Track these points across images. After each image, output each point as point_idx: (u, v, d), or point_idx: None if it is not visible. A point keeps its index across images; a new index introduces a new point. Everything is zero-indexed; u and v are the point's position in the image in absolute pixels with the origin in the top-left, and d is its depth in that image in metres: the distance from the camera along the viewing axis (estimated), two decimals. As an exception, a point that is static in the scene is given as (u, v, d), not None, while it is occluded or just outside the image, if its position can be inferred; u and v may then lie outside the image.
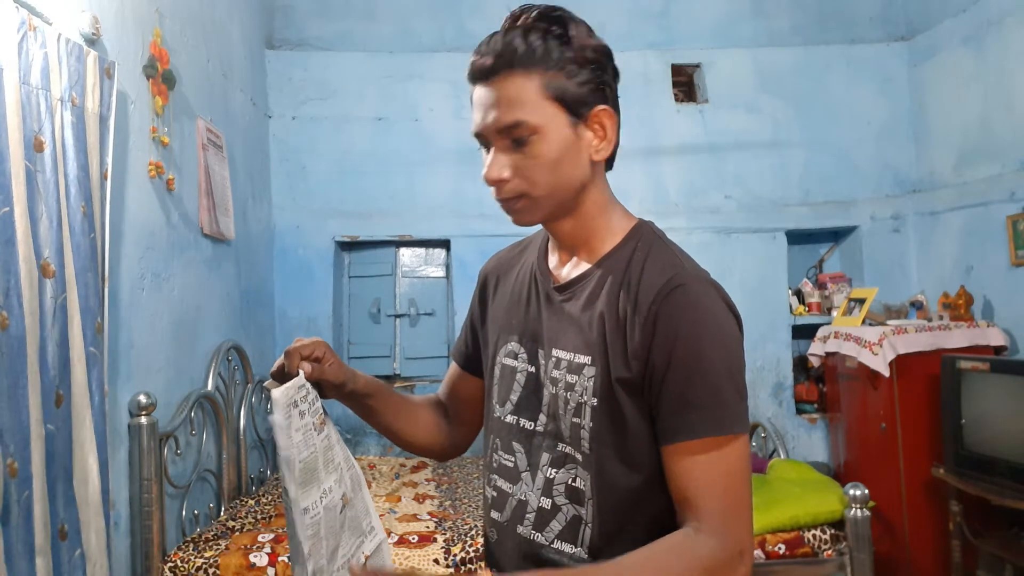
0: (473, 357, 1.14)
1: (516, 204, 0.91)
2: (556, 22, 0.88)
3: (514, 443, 0.98)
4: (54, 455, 1.70)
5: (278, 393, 0.89)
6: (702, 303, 0.87)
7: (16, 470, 1.55)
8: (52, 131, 1.72)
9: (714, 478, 0.82)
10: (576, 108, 0.89)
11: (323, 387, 1.00)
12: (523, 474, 0.96)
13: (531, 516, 0.95)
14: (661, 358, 0.85)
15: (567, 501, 0.92)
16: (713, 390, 0.84)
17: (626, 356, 0.87)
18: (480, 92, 0.90)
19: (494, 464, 1.02)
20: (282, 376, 0.96)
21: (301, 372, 0.94)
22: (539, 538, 0.93)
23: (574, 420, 0.91)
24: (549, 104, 0.87)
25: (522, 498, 0.96)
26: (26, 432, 1.59)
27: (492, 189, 0.92)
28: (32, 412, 1.60)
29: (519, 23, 0.88)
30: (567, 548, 0.91)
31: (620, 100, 0.96)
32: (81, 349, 1.79)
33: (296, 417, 0.91)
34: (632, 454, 0.88)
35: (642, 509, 0.89)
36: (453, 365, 1.20)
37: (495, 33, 0.90)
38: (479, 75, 0.90)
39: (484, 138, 0.91)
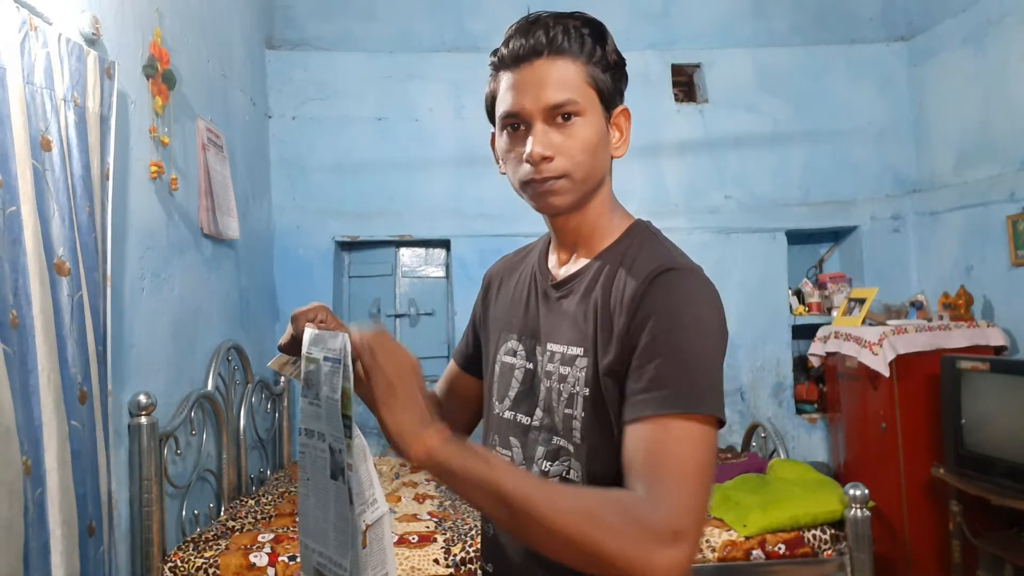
0: (473, 358, 1.16)
1: (556, 184, 0.91)
2: (594, 25, 0.94)
3: (511, 438, 1.00)
4: (81, 452, 1.71)
5: (306, 335, 0.93)
6: (684, 288, 0.87)
7: (30, 468, 1.55)
8: (58, 130, 1.73)
9: (665, 455, 0.78)
10: (607, 103, 0.94)
11: None
12: (519, 468, 0.97)
13: None
14: (638, 339, 0.85)
15: None
16: (681, 370, 0.82)
17: (610, 343, 0.88)
18: (523, 73, 0.91)
19: None
20: (290, 348, 0.96)
21: (307, 328, 0.95)
22: None
23: (567, 411, 0.92)
24: (591, 92, 0.92)
25: None
26: (37, 431, 1.59)
27: (525, 170, 0.91)
28: (45, 410, 1.61)
29: (559, 19, 0.92)
30: None
31: None
32: (94, 347, 1.81)
33: (322, 362, 0.93)
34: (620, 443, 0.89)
35: None
36: (452, 364, 1.21)
37: (528, 23, 0.92)
38: (524, 56, 0.91)
39: (524, 117, 0.91)
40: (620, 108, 0.97)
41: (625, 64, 0.97)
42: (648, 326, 0.84)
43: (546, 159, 0.89)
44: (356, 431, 1.00)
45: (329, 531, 0.96)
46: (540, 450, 0.95)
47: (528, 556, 0.95)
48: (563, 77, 0.90)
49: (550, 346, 0.96)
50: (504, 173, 0.99)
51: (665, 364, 0.82)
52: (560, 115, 0.90)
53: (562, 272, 1.01)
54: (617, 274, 0.92)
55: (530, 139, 0.90)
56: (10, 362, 1.52)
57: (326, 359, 0.93)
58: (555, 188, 0.91)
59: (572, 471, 0.92)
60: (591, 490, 0.79)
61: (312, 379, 0.95)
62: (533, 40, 0.90)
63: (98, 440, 1.81)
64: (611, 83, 0.94)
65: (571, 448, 0.92)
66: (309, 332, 0.94)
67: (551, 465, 0.94)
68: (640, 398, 0.82)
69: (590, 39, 0.92)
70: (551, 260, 1.04)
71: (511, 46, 0.92)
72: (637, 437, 0.80)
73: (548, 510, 0.74)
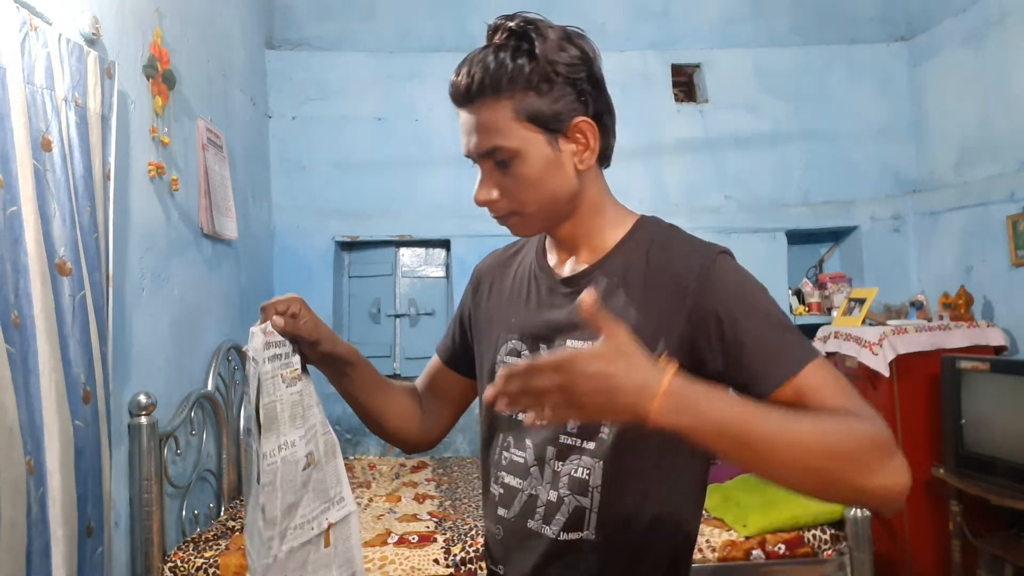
0: (459, 354, 1.15)
1: (508, 221, 0.96)
2: (523, 38, 0.88)
3: (527, 440, 0.99)
4: (84, 452, 1.71)
5: (253, 335, 0.95)
6: (738, 268, 0.91)
7: (33, 468, 1.55)
8: (59, 130, 1.73)
9: (837, 390, 0.81)
10: (551, 125, 0.89)
11: (299, 344, 1.02)
12: (531, 469, 0.98)
13: (541, 510, 0.96)
14: (720, 326, 0.85)
15: (570, 492, 0.93)
16: (784, 331, 0.85)
17: (668, 336, 0.88)
18: (461, 116, 0.93)
19: (503, 461, 1.02)
20: None
21: (268, 322, 0.97)
22: (547, 531, 0.95)
23: None
24: (522, 127, 0.89)
25: (532, 493, 0.97)
26: (39, 431, 1.59)
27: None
28: (47, 410, 1.60)
29: (490, 43, 0.91)
30: (574, 536, 0.93)
31: (619, 100, 0.97)
32: (97, 347, 1.81)
33: (264, 364, 0.95)
34: (653, 436, 0.87)
35: (648, 490, 0.91)
36: (435, 359, 1.20)
37: (471, 54, 0.91)
38: (457, 100, 0.92)
39: (472, 159, 0.95)
40: (577, 120, 0.90)
41: (582, 62, 0.89)
42: (728, 313, 0.85)
43: (490, 202, 0.93)
44: (327, 426, 0.99)
45: (255, 534, 0.94)
46: (550, 450, 0.95)
47: (543, 555, 0.95)
48: (490, 122, 0.89)
49: (570, 343, 0.94)
50: None
51: (772, 332, 0.84)
52: (494, 161, 0.91)
53: (567, 269, 1.00)
54: (648, 269, 0.91)
55: (477, 180, 0.94)
56: (13, 362, 1.52)
57: (252, 359, 0.94)
58: (510, 224, 0.96)
59: (582, 469, 0.92)
60: (818, 413, 0.78)
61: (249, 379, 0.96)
62: (460, 84, 0.90)
63: (101, 440, 1.81)
64: (551, 103, 0.88)
65: (589, 446, 0.92)
66: (251, 331, 0.96)
67: (561, 464, 0.94)
68: (770, 368, 0.83)
69: (522, 59, 0.87)
70: (551, 258, 1.03)
71: (450, 83, 0.92)
72: (803, 396, 0.81)
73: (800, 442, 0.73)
